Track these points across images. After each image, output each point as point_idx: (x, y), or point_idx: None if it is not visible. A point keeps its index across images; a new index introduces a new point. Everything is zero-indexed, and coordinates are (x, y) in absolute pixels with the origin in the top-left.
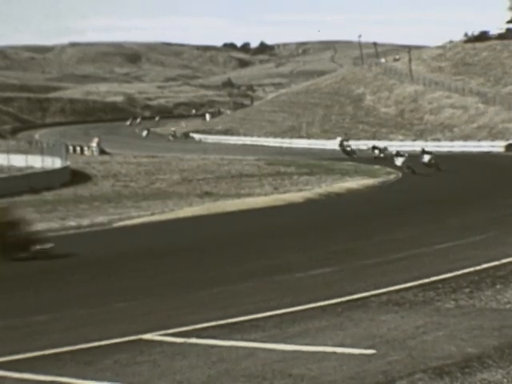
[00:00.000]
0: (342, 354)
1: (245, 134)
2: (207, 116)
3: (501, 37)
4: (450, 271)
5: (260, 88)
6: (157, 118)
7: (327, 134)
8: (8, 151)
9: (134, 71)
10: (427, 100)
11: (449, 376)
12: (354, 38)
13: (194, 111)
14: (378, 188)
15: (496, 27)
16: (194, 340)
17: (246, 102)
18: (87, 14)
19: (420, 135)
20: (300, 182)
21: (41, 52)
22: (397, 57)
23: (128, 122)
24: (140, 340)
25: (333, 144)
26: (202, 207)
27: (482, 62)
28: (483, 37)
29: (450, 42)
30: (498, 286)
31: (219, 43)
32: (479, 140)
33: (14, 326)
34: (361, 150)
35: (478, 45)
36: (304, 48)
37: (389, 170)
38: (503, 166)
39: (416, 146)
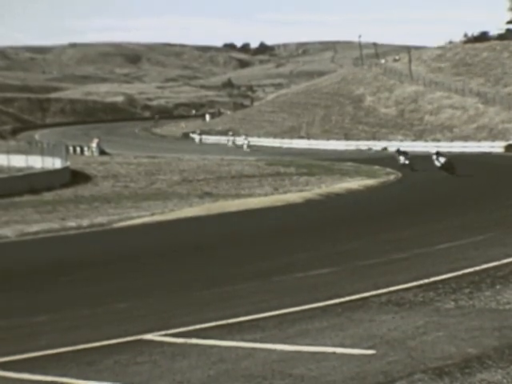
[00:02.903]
0: (342, 355)
1: (245, 135)
2: (207, 116)
3: (501, 37)
4: (450, 271)
5: (260, 88)
6: (156, 117)
7: (327, 135)
8: (8, 151)
9: (134, 72)
10: (427, 100)
11: (448, 376)
12: (354, 39)
13: (194, 111)
14: (381, 188)
15: (496, 28)
16: (194, 340)
17: (246, 102)
18: (87, 14)
19: (420, 136)
20: (300, 183)
21: (41, 52)
22: (397, 57)
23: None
24: (140, 340)
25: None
26: (202, 208)
27: (482, 63)
28: (483, 37)
29: (450, 42)
30: (497, 287)
31: (219, 43)
32: (479, 140)
33: (14, 326)
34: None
35: (478, 45)
36: (304, 48)
37: (389, 170)
38: (503, 167)
39: (416, 146)
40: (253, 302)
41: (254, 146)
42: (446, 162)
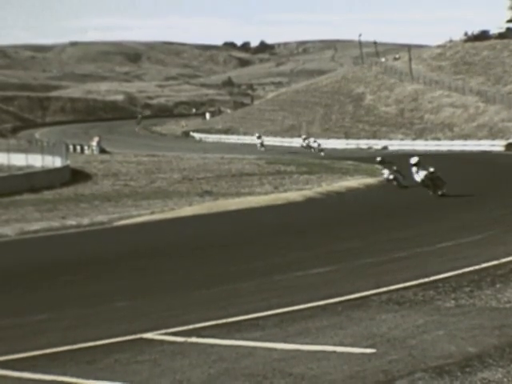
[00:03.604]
0: (343, 353)
1: (245, 133)
2: (207, 115)
3: (501, 36)
4: (450, 270)
5: (260, 87)
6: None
7: (327, 133)
8: (8, 150)
9: (134, 70)
10: (427, 99)
11: (449, 375)
12: (355, 37)
13: (194, 110)
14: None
15: (496, 26)
16: (194, 339)
17: (247, 101)
18: (88, 13)
19: (420, 134)
20: (300, 181)
21: (41, 51)
22: (397, 56)
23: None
24: (140, 339)
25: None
26: (202, 206)
27: (482, 62)
28: (483, 36)
29: (450, 41)
30: (498, 285)
31: (219, 42)
32: (479, 139)
33: (14, 325)
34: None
35: (478, 44)
36: (304, 47)
37: None
38: (503, 165)
39: (416, 145)
40: (253, 301)
41: (326, 148)
42: (426, 177)
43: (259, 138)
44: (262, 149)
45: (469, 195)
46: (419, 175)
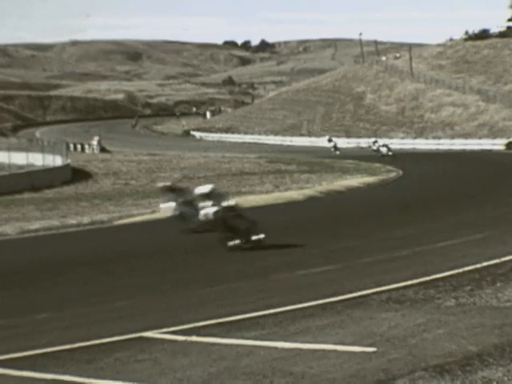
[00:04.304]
0: (343, 352)
1: (245, 132)
2: (208, 114)
3: (501, 35)
4: (451, 269)
5: (261, 86)
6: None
7: (328, 132)
8: (9, 149)
9: (134, 69)
10: (428, 98)
11: (449, 374)
12: (355, 36)
13: (194, 109)
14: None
15: (497, 25)
16: (194, 338)
17: (247, 99)
18: (88, 12)
19: (420, 133)
20: (301, 180)
21: (42, 50)
22: (397, 55)
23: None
24: (141, 338)
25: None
26: None
27: (483, 60)
28: (484, 35)
29: (451, 39)
30: (498, 284)
31: (220, 41)
32: (480, 138)
33: (15, 324)
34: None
35: (479, 43)
36: (305, 46)
37: (389, 167)
38: (503, 164)
39: (417, 144)
40: (253, 300)
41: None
42: (217, 214)
43: (330, 141)
44: (337, 152)
45: (469, 193)
46: (207, 212)
